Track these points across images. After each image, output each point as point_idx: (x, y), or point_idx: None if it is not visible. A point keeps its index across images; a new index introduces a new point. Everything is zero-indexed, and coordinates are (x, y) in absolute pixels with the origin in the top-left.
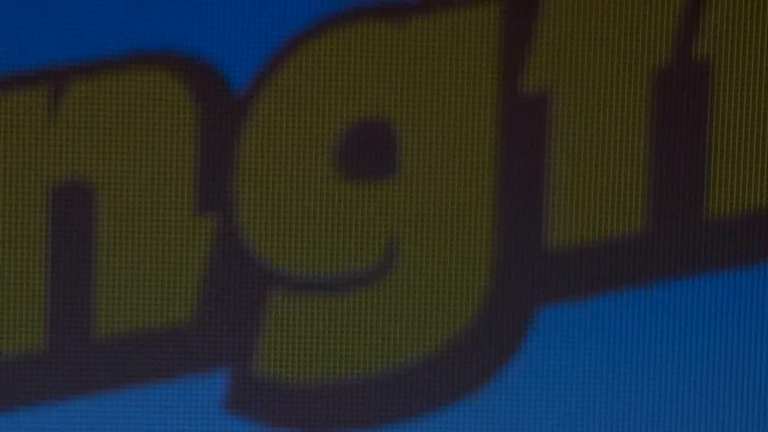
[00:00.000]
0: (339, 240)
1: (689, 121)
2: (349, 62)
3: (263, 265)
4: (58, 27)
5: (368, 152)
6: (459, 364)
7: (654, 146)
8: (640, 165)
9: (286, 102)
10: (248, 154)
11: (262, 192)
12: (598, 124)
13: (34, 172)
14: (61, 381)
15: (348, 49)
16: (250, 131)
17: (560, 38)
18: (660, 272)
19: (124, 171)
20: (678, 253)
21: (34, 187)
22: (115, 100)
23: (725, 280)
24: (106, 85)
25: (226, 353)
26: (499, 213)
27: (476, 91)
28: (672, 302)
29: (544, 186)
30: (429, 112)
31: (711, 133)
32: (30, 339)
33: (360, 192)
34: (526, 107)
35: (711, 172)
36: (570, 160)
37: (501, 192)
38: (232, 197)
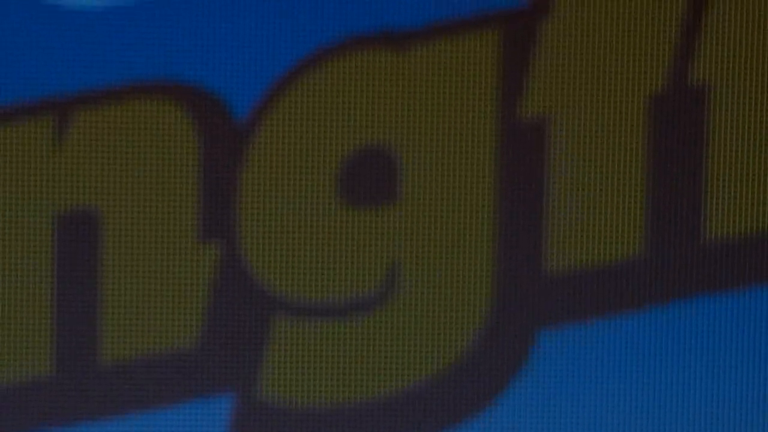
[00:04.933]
0: (341, 265)
1: (686, 145)
2: (350, 89)
3: (266, 291)
4: (61, 58)
5: (370, 178)
6: (460, 388)
7: (652, 170)
8: (638, 189)
9: (288, 130)
10: (251, 182)
11: (264, 219)
12: (596, 150)
13: (39, 200)
14: (68, 406)
15: (349, 76)
16: (253, 159)
17: (558, 65)
18: (659, 295)
19: (129, 199)
20: (677, 276)
21: (40, 215)
22: (119, 129)
23: (724, 303)
24: (110, 114)
25: (231, 378)
26: (499, 237)
27: (476, 118)
28: (671, 325)
29: (544, 210)
30: (429, 139)
31: (708, 158)
32: (37, 365)
33: (362, 218)
34: (525, 133)
35: (708, 196)
36: (568, 185)
37: (501, 217)
38: (235, 224)
